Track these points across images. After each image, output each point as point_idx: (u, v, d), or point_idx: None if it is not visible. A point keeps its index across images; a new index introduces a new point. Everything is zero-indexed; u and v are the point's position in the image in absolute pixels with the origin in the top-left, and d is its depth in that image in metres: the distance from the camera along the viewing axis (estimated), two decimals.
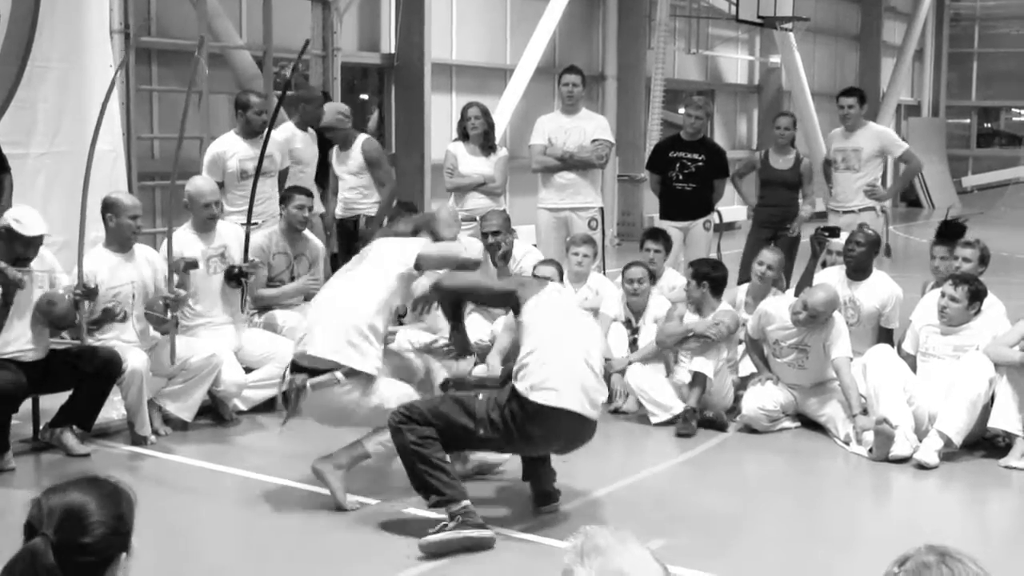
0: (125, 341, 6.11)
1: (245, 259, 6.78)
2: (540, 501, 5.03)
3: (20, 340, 5.66)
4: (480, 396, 4.74)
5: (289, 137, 8.03)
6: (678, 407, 6.55)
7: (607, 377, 6.82)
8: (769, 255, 7.33)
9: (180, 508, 5.13)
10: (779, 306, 6.60)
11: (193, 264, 6.50)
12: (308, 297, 7.02)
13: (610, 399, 6.93)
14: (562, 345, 4.73)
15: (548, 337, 4.73)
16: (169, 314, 6.19)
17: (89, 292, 5.75)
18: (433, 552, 4.44)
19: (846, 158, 8.72)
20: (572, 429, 4.74)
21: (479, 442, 4.79)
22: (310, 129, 8.21)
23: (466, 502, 4.55)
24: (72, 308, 5.68)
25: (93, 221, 6.23)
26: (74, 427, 5.84)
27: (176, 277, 6.29)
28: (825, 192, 9.48)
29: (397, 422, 4.65)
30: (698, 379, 6.45)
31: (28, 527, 2.15)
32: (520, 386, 4.62)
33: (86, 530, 2.12)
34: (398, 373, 5.42)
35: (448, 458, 4.68)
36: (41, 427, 5.97)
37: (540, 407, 4.59)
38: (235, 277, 6.72)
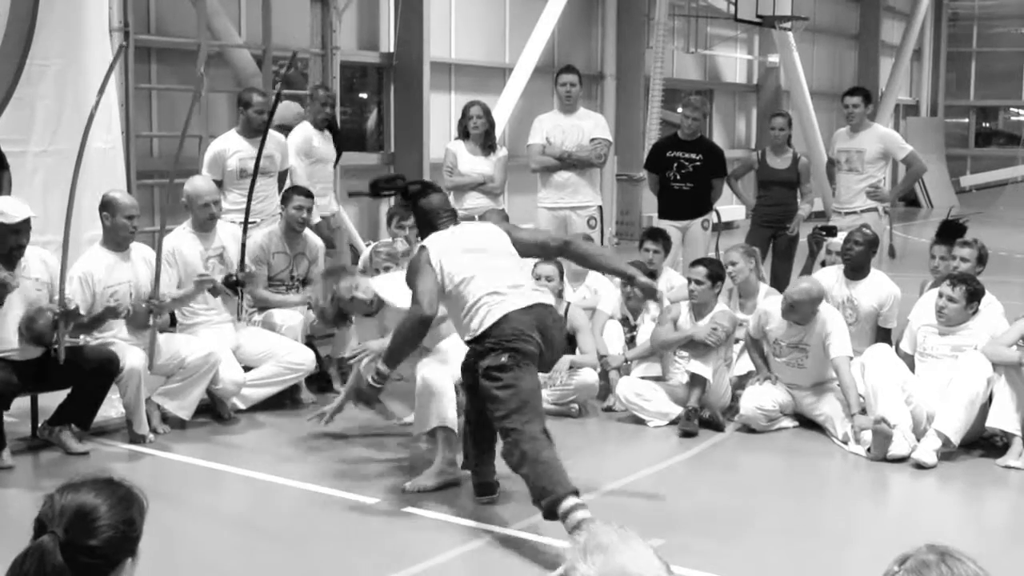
0: (121, 339, 6.11)
1: (242, 262, 6.78)
2: (480, 491, 5.14)
3: (11, 339, 5.65)
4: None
5: (307, 136, 8.07)
6: (674, 412, 6.56)
7: (603, 375, 6.87)
8: (732, 253, 7.28)
9: (178, 507, 5.12)
10: (778, 306, 6.60)
11: (211, 287, 6.51)
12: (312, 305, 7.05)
13: (605, 398, 6.95)
14: (479, 287, 4.86)
15: (466, 294, 4.87)
16: (152, 320, 6.15)
17: (68, 314, 5.64)
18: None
19: (849, 159, 8.71)
20: (538, 320, 4.81)
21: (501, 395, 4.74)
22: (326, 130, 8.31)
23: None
24: (51, 327, 5.60)
25: (91, 220, 6.23)
26: (72, 426, 5.84)
27: (167, 277, 6.27)
28: (826, 192, 9.48)
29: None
30: (697, 380, 6.45)
31: (38, 523, 2.16)
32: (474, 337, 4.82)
33: (94, 532, 2.13)
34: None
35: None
36: (40, 425, 5.97)
37: (494, 323, 4.76)
38: (232, 285, 6.72)
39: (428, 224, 5.24)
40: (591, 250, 5.50)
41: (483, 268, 4.93)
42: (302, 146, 8.01)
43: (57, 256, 5.81)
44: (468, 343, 4.91)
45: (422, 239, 5.20)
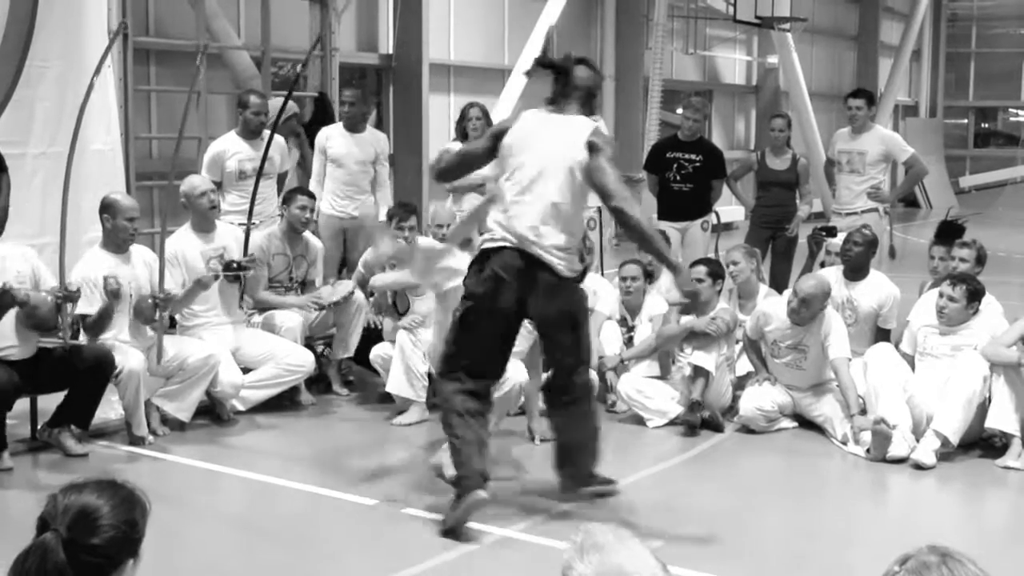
0: (121, 341, 6.11)
1: (245, 251, 6.79)
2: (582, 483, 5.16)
3: (5, 339, 5.66)
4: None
5: (331, 135, 8.03)
6: (674, 411, 6.56)
7: (600, 375, 6.87)
8: (734, 253, 7.28)
9: (177, 508, 5.12)
10: (777, 306, 6.60)
11: (205, 285, 6.51)
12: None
13: (605, 398, 6.95)
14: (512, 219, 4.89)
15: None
16: (158, 314, 6.17)
17: (70, 295, 5.69)
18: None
19: (851, 160, 8.69)
20: (514, 266, 4.82)
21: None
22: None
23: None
24: (54, 311, 5.63)
25: (90, 221, 6.23)
26: (72, 427, 5.84)
27: (168, 278, 6.28)
28: (825, 193, 9.47)
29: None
30: (700, 372, 6.46)
31: (41, 521, 2.17)
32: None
33: (97, 531, 2.14)
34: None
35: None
36: (39, 427, 5.97)
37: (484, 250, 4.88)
38: (233, 271, 6.72)
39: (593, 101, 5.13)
40: (640, 225, 4.99)
41: (532, 188, 4.89)
42: (283, 149, 7.94)
43: (33, 254, 5.84)
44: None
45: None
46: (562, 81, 5.06)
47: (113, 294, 5.89)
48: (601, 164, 4.81)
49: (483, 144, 5.21)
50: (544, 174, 4.86)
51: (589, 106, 5.09)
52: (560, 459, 5.16)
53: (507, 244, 4.85)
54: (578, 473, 5.14)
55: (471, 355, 4.91)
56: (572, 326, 4.98)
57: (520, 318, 4.98)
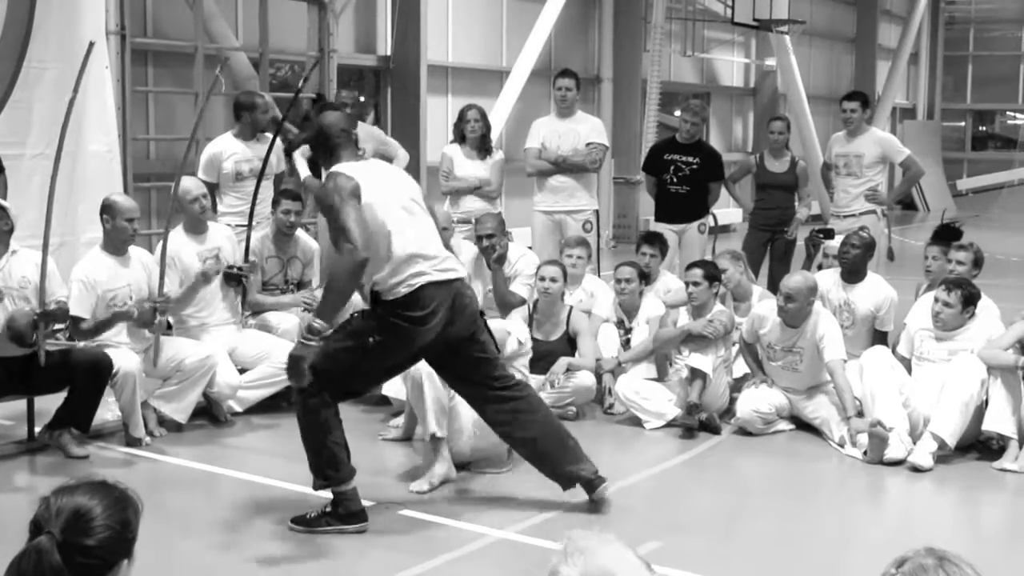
0: (118, 343, 6.11)
1: (246, 254, 6.79)
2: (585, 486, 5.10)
3: None
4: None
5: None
6: (671, 413, 6.56)
7: (598, 377, 6.88)
8: (720, 261, 7.24)
9: (174, 510, 5.12)
10: (772, 309, 6.61)
11: (208, 278, 6.50)
12: (307, 307, 7.04)
13: (602, 400, 6.96)
14: (408, 244, 4.72)
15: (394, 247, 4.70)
16: (158, 318, 6.17)
17: (48, 314, 5.66)
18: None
19: (848, 163, 8.70)
20: (454, 294, 4.77)
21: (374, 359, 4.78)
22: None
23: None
24: (31, 327, 5.61)
25: (88, 223, 6.23)
26: (72, 429, 5.84)
27: (168, 281, 6.29)
28: (823, 195, 9.48)
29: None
30: (697, 374, 6.46)
31: (34, 524, 2.17)
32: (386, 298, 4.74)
33: (91, 532, 2.14)
34: None
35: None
36: (38, 429, 5.96)
37: (409, 292, 4.67)
38: (235, 277, 6.72)
39: (328, 148, 4.87)
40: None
41: (412, 223, 4.78)
42: (279, 151, 7.96)
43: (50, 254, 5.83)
44: (372, 292, 4.77)
45: (324, 166, 4.90)
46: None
47: (123, 315, 5.96)
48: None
49: None
50: None
51: (324, 157, 4.95)
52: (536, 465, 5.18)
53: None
54: (555, 474, 5.12)
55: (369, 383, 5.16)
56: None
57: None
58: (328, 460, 4.77)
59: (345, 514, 4.75)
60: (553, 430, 5.11)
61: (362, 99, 8.25)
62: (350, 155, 4.90)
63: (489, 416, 5.14)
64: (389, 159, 7.52)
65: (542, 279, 6.77)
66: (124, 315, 5.98)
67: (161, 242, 6.32)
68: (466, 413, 5.49)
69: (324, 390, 4.71)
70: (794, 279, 6.48)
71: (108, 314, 5.99)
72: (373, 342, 4.68)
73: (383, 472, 5.69)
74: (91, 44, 6.16)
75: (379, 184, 4.77)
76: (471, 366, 5.01)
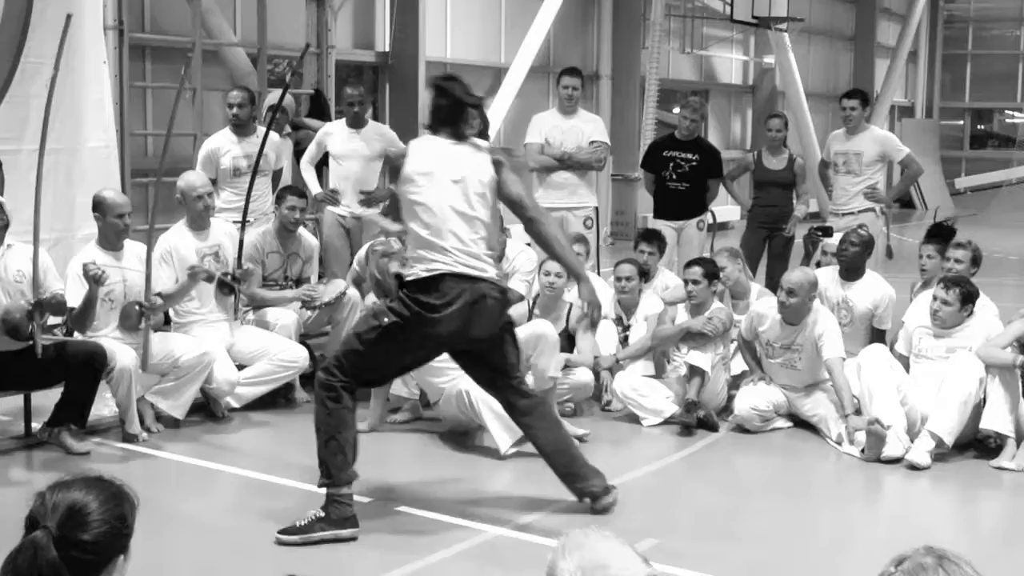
0: (112, 338, 6.10)
1: (239, 261, 6.77)
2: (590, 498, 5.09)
3: None
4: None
5: (331, 131, 8.01)
6: (669, 410, 6.56)
7: (596, 374, 6.87)
8: (718, 259, 7.24)
9: (171, 506, 5.11)
10: (771, 307, 6.61)
11: (206, 276, 6.48)
12: (305, 304, 7.02)
13: (600, 397, 6.96)
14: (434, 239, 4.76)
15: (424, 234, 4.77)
16: (143, 323, 6.13)
17: (42, 304, 5.65)
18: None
19: (847, 161, 8.69)
20: (473, 293, 4.74)
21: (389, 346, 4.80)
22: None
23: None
24: (26, 320, 5.59)
25: (84, 218, 6.22)
26: (71, 425, 5.82)
27: (165, 276, 6.26)
28: (821, 193, 9.48)
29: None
30: (695, 371, 6.46)
31: (30, 519, 2.17)
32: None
33: (87, 527, 2.14)
34: None
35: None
36: (35, 426, 5.95)
37: (418, 278, 4.72)
38: (228, 284, 6.70)
39: (464, 118, 5.01)
40: (552, 236, 5.09)
41: (453, 211, 4.78)
42: (279, 147, 7.94)
43: (48, 251, 5.82)
44: (397, 276, 4.90)
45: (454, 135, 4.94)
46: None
47: (94, 279, 5.84)
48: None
49: None
50: None
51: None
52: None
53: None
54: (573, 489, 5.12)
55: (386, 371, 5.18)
56: None
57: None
58: (333, 453, 4.74)
59: (338, 518, 4.70)
60: (564, 447, 5.12)
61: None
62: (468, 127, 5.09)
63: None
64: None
65: (547, 274, 6.76)
66: (94, 294, 5.92)
67: (147, 245, 6.21)
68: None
69: (344, 372, 4.77)
70: (795, 275, 6.49)
71: (85, 296, 5.92)
72: (388, 322, 4.75)
73: (381, 467, 5.68)
74: (68, 16, 6.07)
75: (435, 152, 4.92)
76: (487, 371, 5.07)
